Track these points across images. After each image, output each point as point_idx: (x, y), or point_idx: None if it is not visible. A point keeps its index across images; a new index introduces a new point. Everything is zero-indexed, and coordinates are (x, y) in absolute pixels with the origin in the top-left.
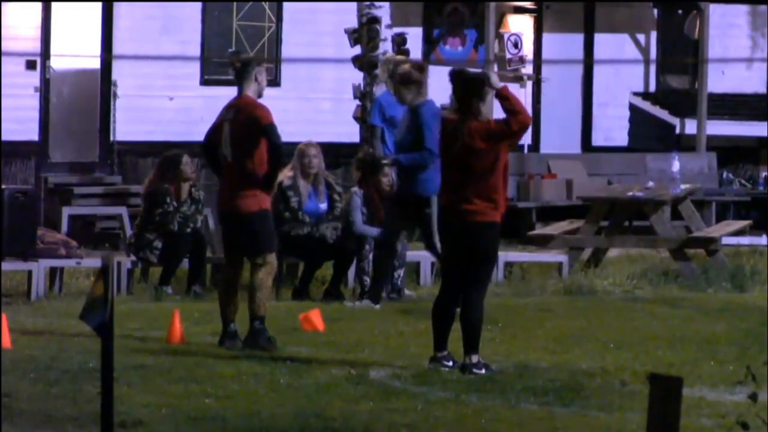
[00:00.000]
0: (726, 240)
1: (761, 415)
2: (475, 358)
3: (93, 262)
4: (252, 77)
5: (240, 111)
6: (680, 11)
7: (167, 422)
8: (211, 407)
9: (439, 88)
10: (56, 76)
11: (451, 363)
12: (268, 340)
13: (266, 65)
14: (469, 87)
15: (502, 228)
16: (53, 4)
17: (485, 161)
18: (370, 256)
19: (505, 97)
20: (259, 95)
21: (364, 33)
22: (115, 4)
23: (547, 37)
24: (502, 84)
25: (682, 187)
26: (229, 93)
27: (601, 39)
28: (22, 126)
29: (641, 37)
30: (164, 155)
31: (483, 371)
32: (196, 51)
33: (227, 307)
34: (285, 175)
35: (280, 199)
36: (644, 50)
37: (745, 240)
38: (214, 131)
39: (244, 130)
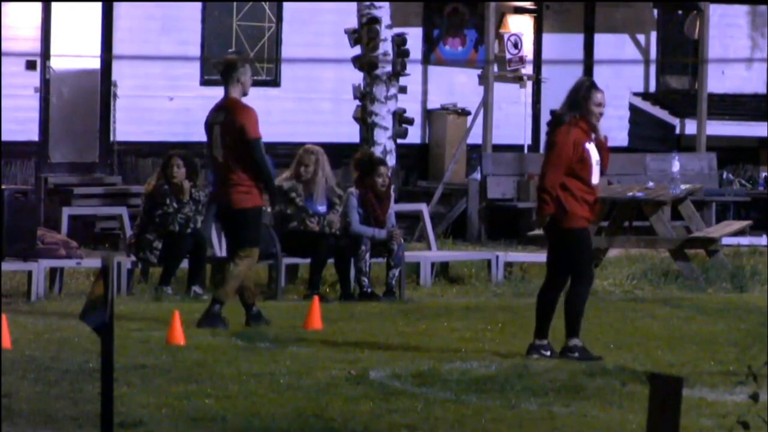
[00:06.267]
0: (726, 240)
1: (762, 415)
2: (572, 342)
3: (93, 262)
4: (234, 79)
5: (228, 114)
6: (680, 11)
7: (167, 422)
8: (211, 407)
9: (439, 87)
10: (56, 76)
11: (548, 353)
12: (223, 322)
13: (247, 63)
14: None
15: (501, 227)
16: (53, 4)
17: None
18: (367, 256)
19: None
20: (244, 94)
21: (364, 33)
22: (115, 4)
23: (547, 37)
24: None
25: (682, 187)
26: None
27: (601, 39)
28: (22, 126)
29: (641, 37)
30: (167, 156)
31: (576, 355)
32: (196, 51)
33: (242, 293)
34: (284, 178)
35: (282, 200)
36: (644, 50)
37: (745, 240)
38: (207, 131)
39: (233, 134)
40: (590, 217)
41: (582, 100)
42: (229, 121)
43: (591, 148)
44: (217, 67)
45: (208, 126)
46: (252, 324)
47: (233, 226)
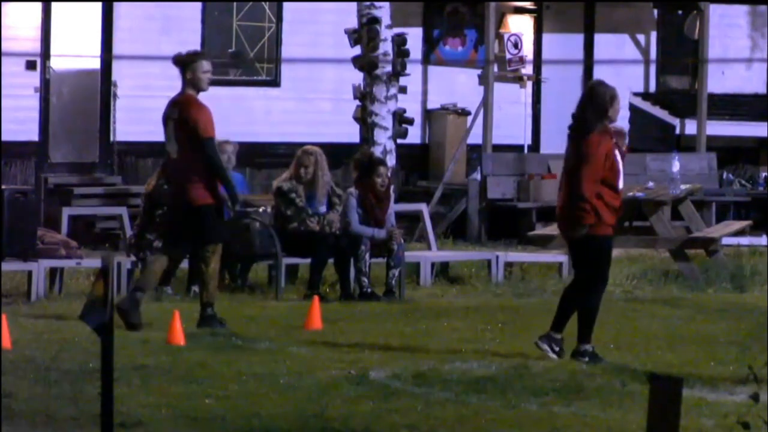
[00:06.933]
0: (726, 240)
1: (762, 415)
2: (582, 347)
3: (93, 262)
4: (185, 76)
5: (182, 111)
6: (680, 11)
7: (167, 422)
8: (211, 407)
9: (439, 87)
10: (56, 76)
11: (558, 348)
12: (220, 322)
13: (202, 59)
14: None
15: (501, 227)
16: (53, 4)
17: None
18: (367, 256)
19: None
20: (199, 90)
21: (364, 33)
22: (115, 4)
23: (547, 37)
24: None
25: (682, 187)
26: (229, 93)
27: (601, 39)
28: (22, 126)
29: (641, 37)
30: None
31: (586, 359)
32: None
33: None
34: (283, 179)
35: (282, 201)
36: (644, 50)
37: (745, 240)
38: (164, 126)
39: (186, 131)
40: (615, 224)
41: (609, 105)
42: (182, 118)
43: (617, 154)
44: (173, 62)
45: (164, 120)
46: (203, 325)
47: (194, 223)
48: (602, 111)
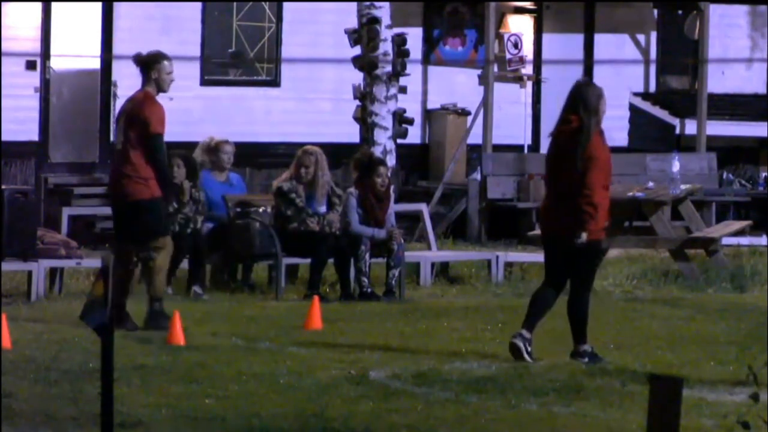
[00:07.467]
0: (726, 240)
1: (762, 415)
2: (581, 348)
3: (93, 262)
4: (149, 76)
5: (135, 106)
6: (680, 11)
7: (167, 422)
8: (211, 407)
9: (439, 87)
10: (56, 76)
11: (529, 348)
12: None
13: (165, 60)
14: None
15: (501, 227)
16: (53, 4)
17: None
18: (366, 256)
19: None
20: (161, 90)
21: (364, 33)
22: (115, 4)
23: (547, 37)
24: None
25: (682, 187)
26: (229, 93)
27: (601, 39)
28: (22, 126)
29: (641, 37)
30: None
31: (586, 359)
32: (196, 51)
33: (124, 293)
34: (283, 179)
35: (282, 201)
36: (644, 50)
37: (745, 240)
38: (116, 120)
39: (135, 126)
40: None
41: (598, 105)
42: (134, 112)
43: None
44: (134, 60)
45: (119, 116)
46: (152, 322)
47: (133, 218)
48: (594, 111)
